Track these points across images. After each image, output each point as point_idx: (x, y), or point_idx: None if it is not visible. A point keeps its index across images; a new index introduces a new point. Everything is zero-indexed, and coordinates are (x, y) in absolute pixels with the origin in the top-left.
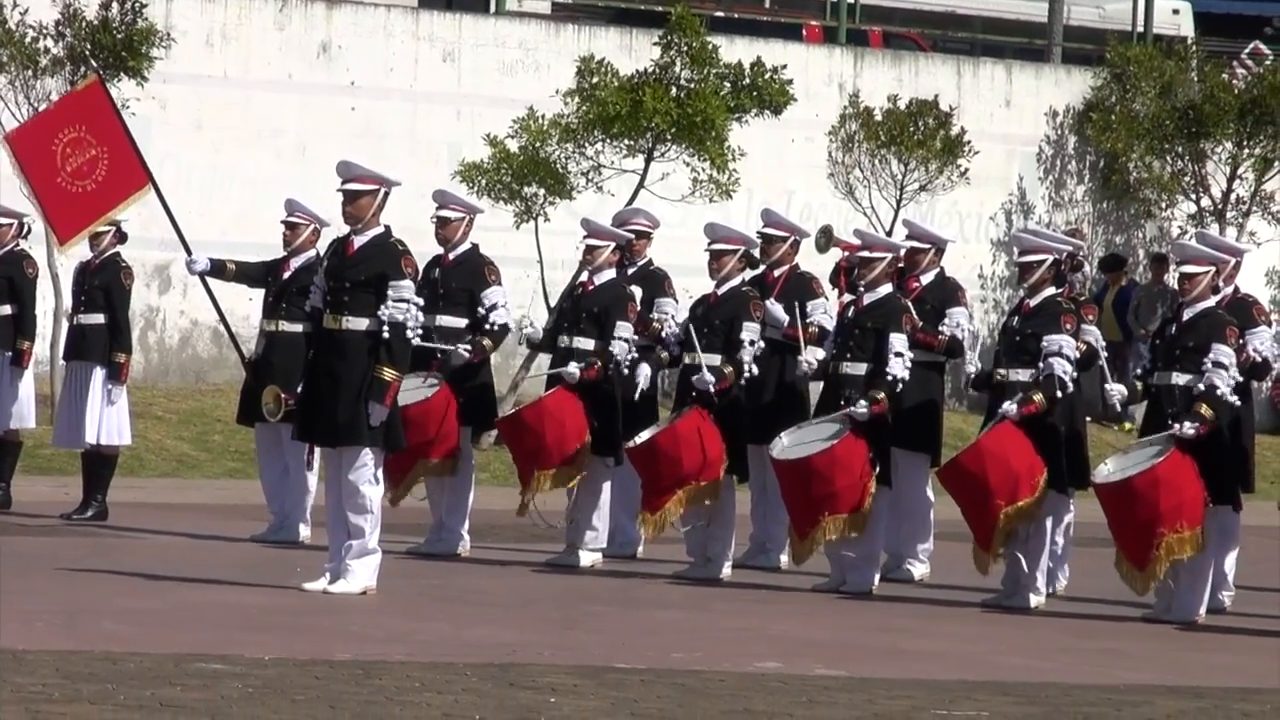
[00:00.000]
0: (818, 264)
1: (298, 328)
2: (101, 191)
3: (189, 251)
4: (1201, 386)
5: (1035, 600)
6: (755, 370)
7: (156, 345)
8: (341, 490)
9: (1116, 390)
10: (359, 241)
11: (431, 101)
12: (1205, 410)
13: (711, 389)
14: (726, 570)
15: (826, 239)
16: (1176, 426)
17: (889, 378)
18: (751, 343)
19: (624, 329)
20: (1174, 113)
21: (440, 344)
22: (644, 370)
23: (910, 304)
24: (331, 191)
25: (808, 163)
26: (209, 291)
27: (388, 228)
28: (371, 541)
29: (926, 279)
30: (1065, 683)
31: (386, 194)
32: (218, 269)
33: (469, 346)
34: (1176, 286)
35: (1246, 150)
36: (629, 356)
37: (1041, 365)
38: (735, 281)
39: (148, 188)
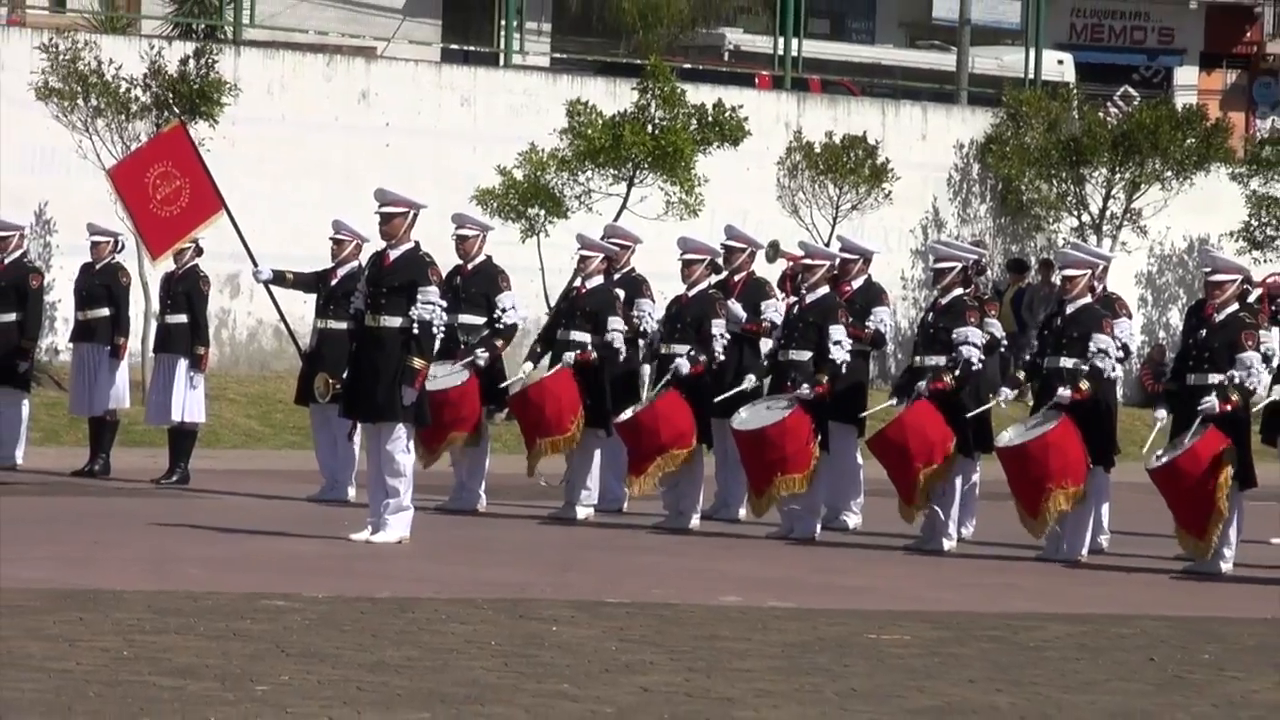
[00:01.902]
0: (766, 271)
1: (343, 325)
2: (185, 215)
3: (255, 263)
4: (1086, 368)
5: (948, 544)
6: (723, 355)
7: (229, 340)
8: (380, 458)
9: (1004, 393)
10: (394, 254)
11: (452, 139)
12: (1085, 385)
13: (685, 371)
14: (695, 522)
15: (774, 251)
16: (1061, 392)
17: (832, 361)
18: (720, 335)
19: (616, 323)
20: (1059, 144)
21: (468, 339)
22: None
23: (843, 304)
24: (370, 213)
25: (760, 187)
26: (272, 296)
27: (418, 243)
28: (405, 500)
29: (856, 284)
30: (973, 611)
31: (416, 215)
32: (278, 278)
33: (485, 350)
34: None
35: (1119, 175)
36: (622, 345)
37: (954, 353)
38: (702, 285)
39: (222, 212)
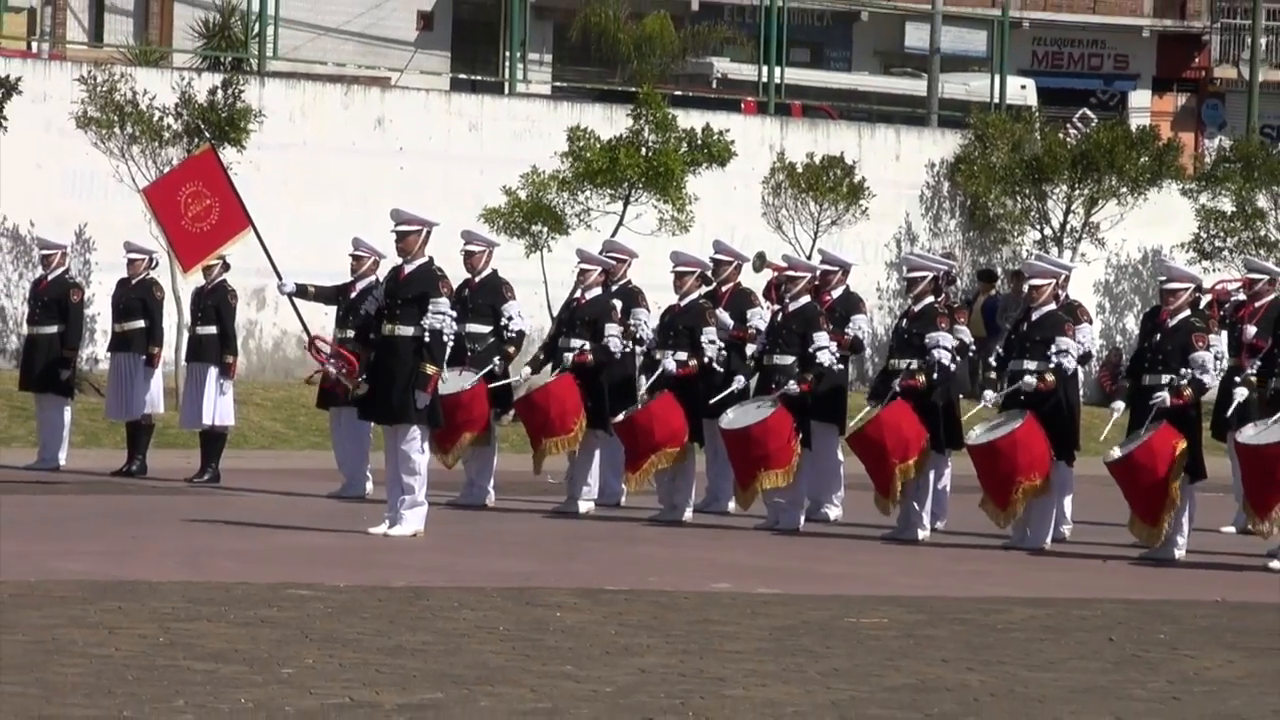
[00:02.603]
0: (753, 281)
1: None
2: (214, 232)
3: (280, 278)
4: (1050, 366)
5: (922, 534)
6: (720, 364)
7: (255, 350)
8: (397, 457)
9: (989, 396)
10: (409, 268)
11: (461, 162)
12: (1050, 378)
13: (673, 370)
14: (688, 514)
15: (761, 261)
16: (1026, 379)
17: (820, 363)
18: (711, 342)
19: (612, 329)
20: (1022, 163)
21: (475, 348)
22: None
23: (825, 313)
24: (386, 231)
25: (746, 204)
26: (295, 308)
27: (431, 258)
28: (420, 495)
29: (836, 293)
30: (945, 596)
31: (429, 233)
32: (301, 291)
33: (500, 359)
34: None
35: (1078, 191)
36: (620, 351)
37: (927, 357)
38: (693, 296)
39: (248, 229)
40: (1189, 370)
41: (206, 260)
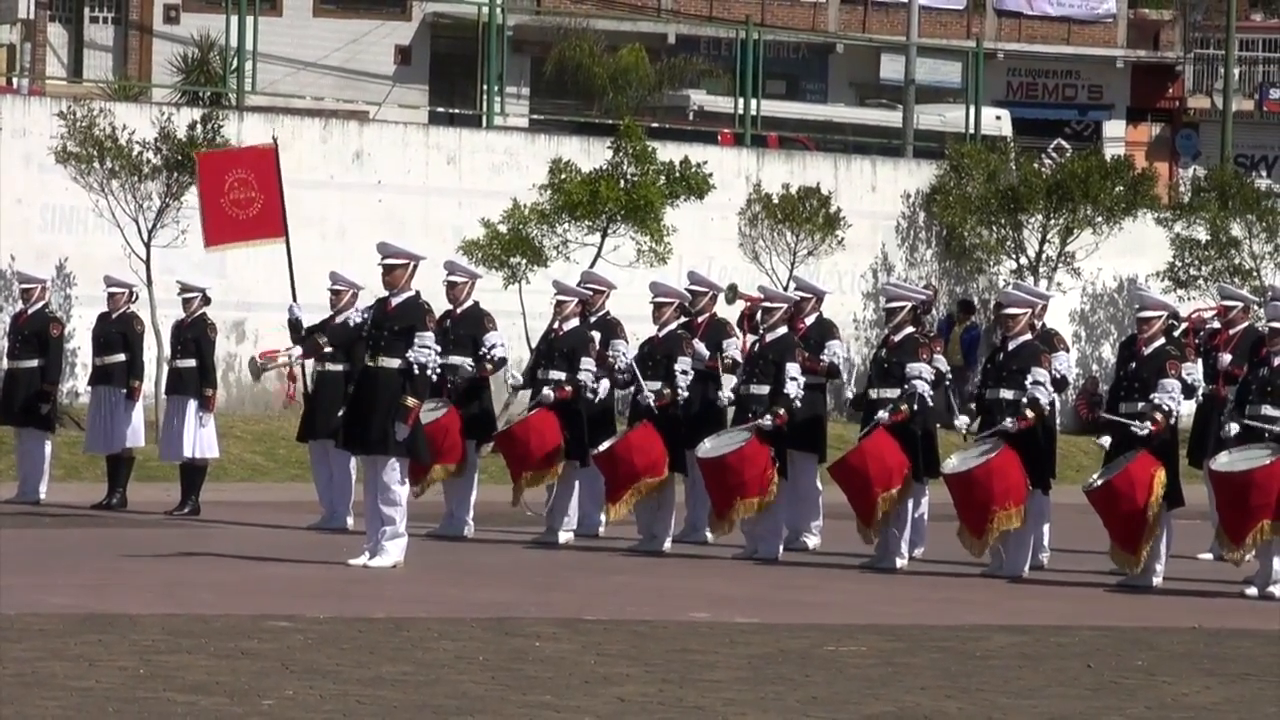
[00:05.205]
0: (726, 312)
1: (339, 368)
2: (249, 224)
3: (295, 298)
4: (1025, 399)
5: (900, 563)
6: (686, 392)
7: (235, 383)
8: (376, 488)
9: (962, 421)
10: (395, 301)
11: (440, 194)
12: (1029, 413)
13: (653, 404)
14: (667, 544)
15: (733, 294)
16: (1006, 422)
17: (788, 395)
18: (684, 372)
19: (588, 363)
20: (998, 193)
21: (455, 379)
22: (604, 384)
23: (800, 341)
24: (365, 263)
25: (724, 235)
26: (293, 333)
27: (418, 292)
28: (400, 527)
29: (810, 320)
30: (924, 624)
31: (415, 266)
32: (299, 324)
33: (474, 365)
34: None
35: (1053, 221)
36: (593, 384)
37: (906, 386)
38: (671, 326)
39: (281, 238)
40: (1156, 396)
41: (230, 247)
